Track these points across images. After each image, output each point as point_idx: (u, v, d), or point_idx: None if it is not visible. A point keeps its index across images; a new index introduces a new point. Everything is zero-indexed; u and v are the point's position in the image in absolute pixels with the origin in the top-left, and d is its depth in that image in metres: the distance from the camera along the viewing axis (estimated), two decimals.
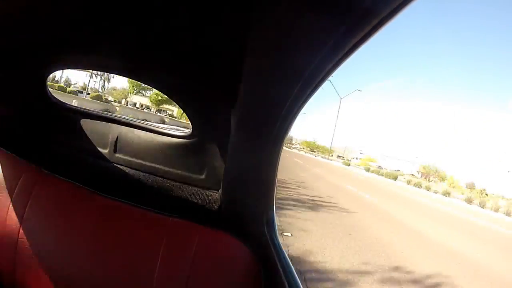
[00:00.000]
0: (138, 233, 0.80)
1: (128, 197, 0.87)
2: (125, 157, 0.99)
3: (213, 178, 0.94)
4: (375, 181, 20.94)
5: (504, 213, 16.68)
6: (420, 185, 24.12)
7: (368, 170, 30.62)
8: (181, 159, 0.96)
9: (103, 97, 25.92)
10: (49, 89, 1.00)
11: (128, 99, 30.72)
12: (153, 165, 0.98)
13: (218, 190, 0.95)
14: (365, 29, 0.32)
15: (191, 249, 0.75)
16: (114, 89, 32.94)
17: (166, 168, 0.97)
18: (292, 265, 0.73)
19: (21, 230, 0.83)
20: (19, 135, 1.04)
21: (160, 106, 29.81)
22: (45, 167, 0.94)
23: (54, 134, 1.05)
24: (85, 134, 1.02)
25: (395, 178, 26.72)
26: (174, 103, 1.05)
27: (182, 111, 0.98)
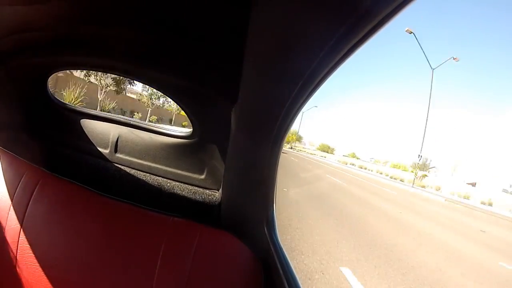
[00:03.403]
0: (139, 233, 0.80)
1: (128, 197, 0.87)
2: (126, 157, 0.99)
3: (213, 178, 0.94)
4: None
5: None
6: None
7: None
8: (182, 159, 0.96)
9: None
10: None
11: None
12: (153, 165, 0.98)
13: (218, 190, 0.95)
14: (365, 29, 0.32)
15: (191, 249, 0.75)
16: None
17: (167, 168, 0.97)
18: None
19: (22, 230, 0.83)
20: (20, 136, 1.04)
21: None
22: (46, 167, 0.94)
23: (55, 134, 1.05)
24: (86, 134, 1.02)
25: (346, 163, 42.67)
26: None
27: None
